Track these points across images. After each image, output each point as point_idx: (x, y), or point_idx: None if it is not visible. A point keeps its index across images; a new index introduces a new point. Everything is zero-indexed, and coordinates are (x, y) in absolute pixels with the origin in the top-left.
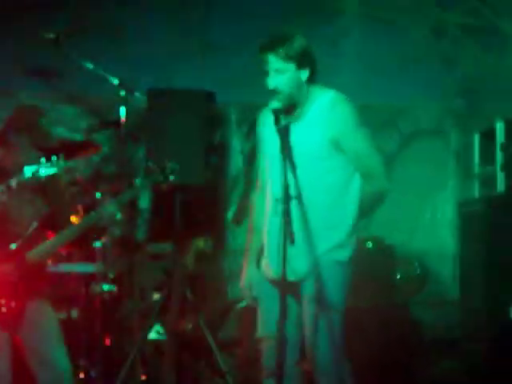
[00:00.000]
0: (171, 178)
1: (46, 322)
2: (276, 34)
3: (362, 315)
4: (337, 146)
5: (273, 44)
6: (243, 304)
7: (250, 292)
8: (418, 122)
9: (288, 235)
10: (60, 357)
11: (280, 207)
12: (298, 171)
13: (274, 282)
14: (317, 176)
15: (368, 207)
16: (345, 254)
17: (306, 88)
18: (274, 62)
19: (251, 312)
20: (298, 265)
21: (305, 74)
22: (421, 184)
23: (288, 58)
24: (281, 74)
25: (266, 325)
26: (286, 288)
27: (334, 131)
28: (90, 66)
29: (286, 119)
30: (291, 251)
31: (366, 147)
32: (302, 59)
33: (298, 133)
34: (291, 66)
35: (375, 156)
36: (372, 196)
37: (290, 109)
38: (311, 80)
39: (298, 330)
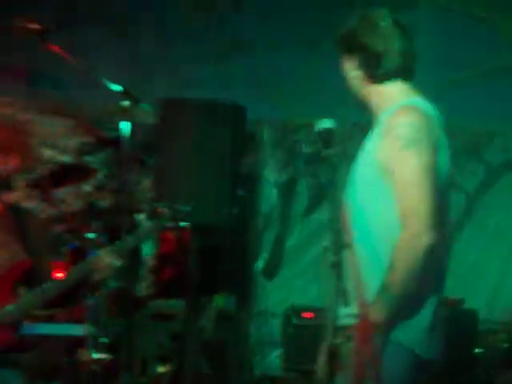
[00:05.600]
0: (182, 224)
1: None
2: None
3: None
4: (385, 169)
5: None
6: None
7: None
8: (509, 149)
9: (339, 295)
10: None
11: (329, 258)
12: (354, 209)
13: None
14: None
15: (395, 261)
16: None
17: (376, 92)
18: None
19: None
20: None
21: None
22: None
23: (344, 51)
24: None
25: None
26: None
27: (384, 151)
28: (83, 67)
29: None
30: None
31: (408, 174)
32: (353, 49)
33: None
34: (350, 62)
35: (417, 189)
36: (400, 245)
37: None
38: (377, 79)
39: None
